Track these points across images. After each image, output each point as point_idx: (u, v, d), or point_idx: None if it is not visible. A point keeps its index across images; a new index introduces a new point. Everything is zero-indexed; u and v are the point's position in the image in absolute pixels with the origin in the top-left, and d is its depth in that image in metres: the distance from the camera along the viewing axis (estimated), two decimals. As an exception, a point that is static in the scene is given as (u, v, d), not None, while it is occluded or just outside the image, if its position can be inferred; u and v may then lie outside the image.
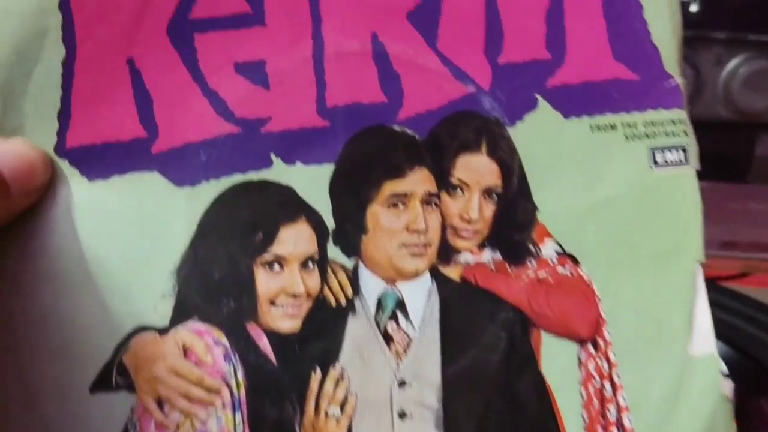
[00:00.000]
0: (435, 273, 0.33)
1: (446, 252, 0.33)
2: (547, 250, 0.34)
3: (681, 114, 0.35)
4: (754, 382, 0.48)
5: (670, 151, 0.35)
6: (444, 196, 0.34)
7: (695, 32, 0.57)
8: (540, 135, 0.34)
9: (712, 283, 0.45)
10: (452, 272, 0.33)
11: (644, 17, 0.35)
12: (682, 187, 0.35)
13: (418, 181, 0.33)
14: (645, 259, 0.34)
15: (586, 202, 0.34)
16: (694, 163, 0.35)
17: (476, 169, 0.34)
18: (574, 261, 0.34)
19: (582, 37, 0.35)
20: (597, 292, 0.33)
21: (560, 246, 0.34)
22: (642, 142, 0.35)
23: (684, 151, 0.35)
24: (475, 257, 0.34)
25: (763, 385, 0.47)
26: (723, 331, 0.46)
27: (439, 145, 0.34)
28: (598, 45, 0.35)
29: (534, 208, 0.34)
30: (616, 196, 0.34)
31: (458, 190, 0.34)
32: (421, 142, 0.34)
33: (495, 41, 0.34)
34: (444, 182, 0.34)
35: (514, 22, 0.34)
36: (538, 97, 0.34)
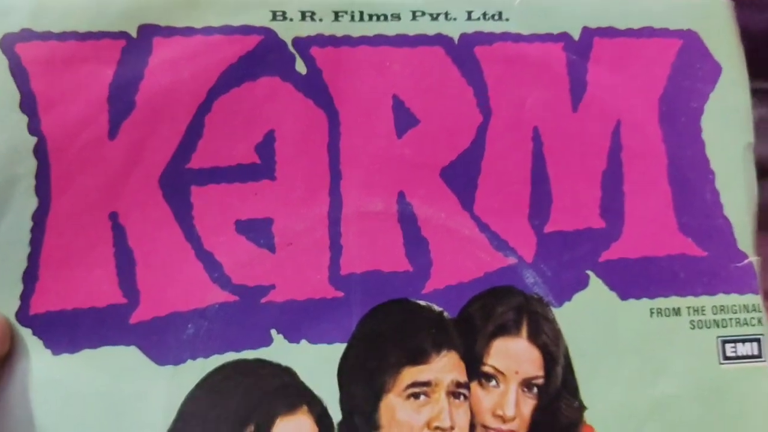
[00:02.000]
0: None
1: (475, 456, 0.28)
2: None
3: (756, 299, 0.30)
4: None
5: (742, 343, 0.30)
6: (475, 387, 0.28)
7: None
8: (591, 319, 0.29)
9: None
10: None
11: (716, 187, 0.30)
12: (755, 386, 0.30)
13: (445, 368, 0.28)
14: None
15: (644, 401, 0.29)
16: (770, 356, 0.30)
17: (514, 356, 0.29)
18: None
19: (643, 206, 0.30)
20: None
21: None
22: (710, 331, 0.30)
23: (758, 342, 0.30)
24: (508, 463, 0.28)
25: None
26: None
27: (471, 325, 0.29)
28: (662, 215, 0.30)
29: (581, 406, 0.29)
30: (678, 395, 0.29)
31: (492, 381, 0.28)
32: (451, 321, 0.28)
33: (541, 206, 0.29)
34: (476, 370, 0.28)
35: (565, 185, 0.30)
36: (590, 273, 0.29)
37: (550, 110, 0.30)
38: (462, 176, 0.29)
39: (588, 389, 0.29)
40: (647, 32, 0.30)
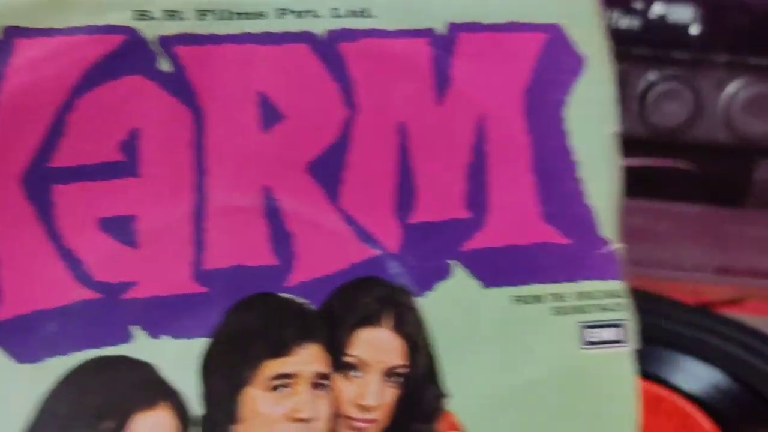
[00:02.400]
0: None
1: (336, 446, 0.28)
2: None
3: (618, 285, 0.31)
4: (750, 411, 0.45)
5: (603, 328, 0.31)
6: (338, 378, 0.29)
7: (695, 55, 0.56)
8: (454, 307, 0.30)
9: (707, 310, 0.45)
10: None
11: (579, 176, 0.31)
12: (617, 371, 0.31)
13: (307, 359, 0.28)
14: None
15: (506, 387, 0.30)
16: (632, 342, 0.31)
17: (377, 346, 0.29)
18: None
19: (507, 195, 0.31)
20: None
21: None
22: (572, 318, 0.30)
23: (620, 327, 0.31)
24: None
25: (760, 414, 0.45)
26: (719, 359, 0.45)
27: (334, 317, 0.29)
28: (526, 205, 0.31)
29: (443, 393, 0.29)
30: (539, 381, 0.30)
31: (355, 371, 0.29)
32: (314, 312, 0.29)
33: (406, 198, 0.30)
34: (339, 362, 0.29)
35: (430, 177, 0.30)
36: (453, 262, 0.30)
37: (415, 105, 0.30)
38: (328, 171, 0.30)
39: (451, 377, 0.29)
40: (512, 27, 0.31)
